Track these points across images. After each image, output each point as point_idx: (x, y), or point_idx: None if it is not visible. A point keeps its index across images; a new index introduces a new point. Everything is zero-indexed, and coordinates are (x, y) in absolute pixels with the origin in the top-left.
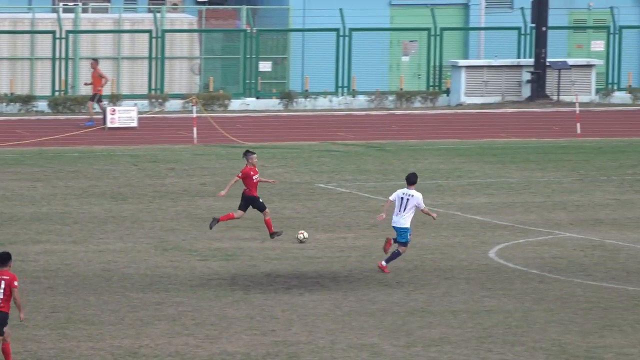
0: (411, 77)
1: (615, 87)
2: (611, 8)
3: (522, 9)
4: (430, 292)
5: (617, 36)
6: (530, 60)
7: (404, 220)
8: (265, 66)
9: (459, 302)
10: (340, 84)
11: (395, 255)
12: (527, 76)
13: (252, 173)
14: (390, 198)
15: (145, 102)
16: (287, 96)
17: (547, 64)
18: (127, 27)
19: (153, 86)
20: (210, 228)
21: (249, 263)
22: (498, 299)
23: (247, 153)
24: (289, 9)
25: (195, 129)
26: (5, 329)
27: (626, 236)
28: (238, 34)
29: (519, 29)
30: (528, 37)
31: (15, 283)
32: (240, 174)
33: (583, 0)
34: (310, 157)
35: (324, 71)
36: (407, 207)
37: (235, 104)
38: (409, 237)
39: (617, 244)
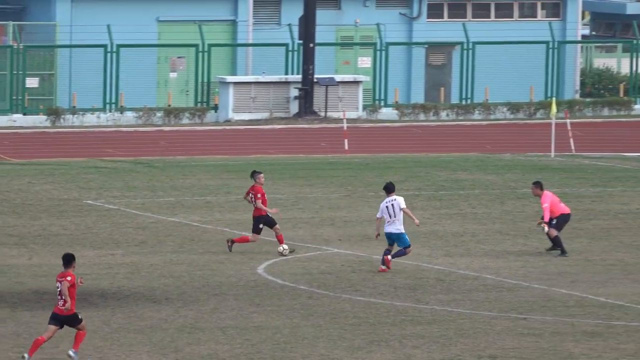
0: (179, 94)
1: (382, 104)
2: (377, 25)
3: (289, 25)
4: (199, 309)
5: (383, 53)
6: (298, 77)
7: (398, 226)
8: (32, 82)
9: (227, 318)
10: (108, 100)
11: (401, 253)
12: (295, 92)
13: (258, 195)
14: (378, 215)
15: None
16: (54, 112)
17: (315, 80)
18: None
19: None
20: (230, 250)
21: (15, 280)
22: (267, 314)
23: (254, 173)
24: (56, 25)
25: None
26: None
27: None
28: (4, 49)
29: (286, 45)
30: (296, 53)
31: (69, 278)
32: (259, 195)
33: (350, 17)
34: (78, 173)
35: (92, 87)
36: (395, 212)
37: (2, 120)
38: (407, 238)
39: None
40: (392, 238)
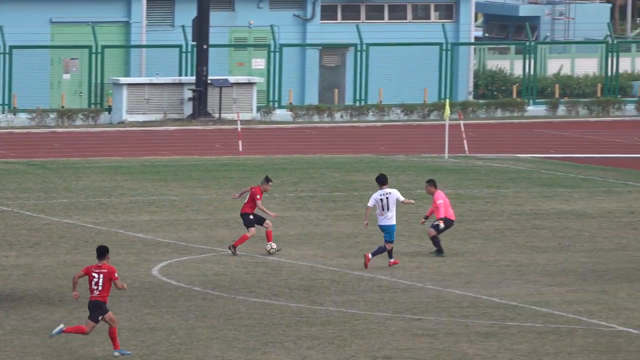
0: (73, 95)
1: (276, 105)
2: (271, 26)
3: (183, 27)
4: None
5: (277, 54)
6: (192, 78)
7: (390, 219)
8: None
9: (122, 319)
10: (0, 102)
11: (381, 250)
12: (188, 94)
13: (257, 197)
14: (369, 205)
15: None
16: None
17: (209, 81)
18: None
19: None
20: (234, 254)
21: None
22: (161, 316)
23: (266, 179)
24: None
25: None
26: (108, 315)
27: (288, 253)
28: None
29: (180, 46)
30: (189, 54)
31: (116, 275)
32: (258, 197)
33: (244, 19)
34: None
35: None
36: (389, 205)
37: None
38: (394, 233)
39: (279, 260)
40: (385, 230)
